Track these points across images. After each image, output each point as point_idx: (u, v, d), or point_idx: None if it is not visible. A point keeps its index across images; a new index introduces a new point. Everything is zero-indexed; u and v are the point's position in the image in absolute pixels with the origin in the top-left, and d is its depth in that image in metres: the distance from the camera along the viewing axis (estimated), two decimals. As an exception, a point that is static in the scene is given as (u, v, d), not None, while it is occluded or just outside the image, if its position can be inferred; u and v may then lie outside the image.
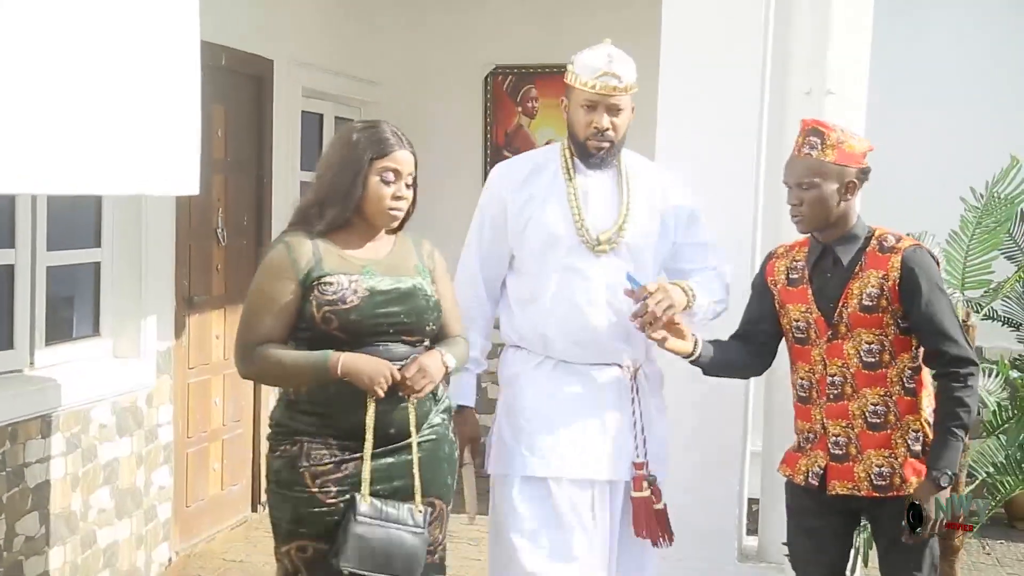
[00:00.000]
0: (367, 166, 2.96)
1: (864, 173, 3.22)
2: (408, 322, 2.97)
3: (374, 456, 2.91)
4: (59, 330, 4.64)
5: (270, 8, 5.91)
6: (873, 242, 3.21)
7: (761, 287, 3.39)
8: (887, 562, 3.23)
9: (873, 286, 3.16)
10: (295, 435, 2.94)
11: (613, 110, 3.19)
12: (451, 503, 3.11)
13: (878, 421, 3.17)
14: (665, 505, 3.25)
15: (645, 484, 3.22)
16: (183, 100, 3.55)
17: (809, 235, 3.30)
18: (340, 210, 2.97)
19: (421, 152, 7.99)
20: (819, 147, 3.18)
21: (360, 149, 2.98)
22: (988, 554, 5.64)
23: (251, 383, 5.87)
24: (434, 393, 3.05)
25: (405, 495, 2.96)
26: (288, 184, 6.14)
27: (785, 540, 3.43)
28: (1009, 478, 4.19)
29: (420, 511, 2.94)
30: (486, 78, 7.15)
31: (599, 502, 3.23)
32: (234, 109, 5.67)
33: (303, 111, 6.35)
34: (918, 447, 3.17)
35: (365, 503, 2.87)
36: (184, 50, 3.55)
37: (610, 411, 3.25)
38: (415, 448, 2.96)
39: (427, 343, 3.05)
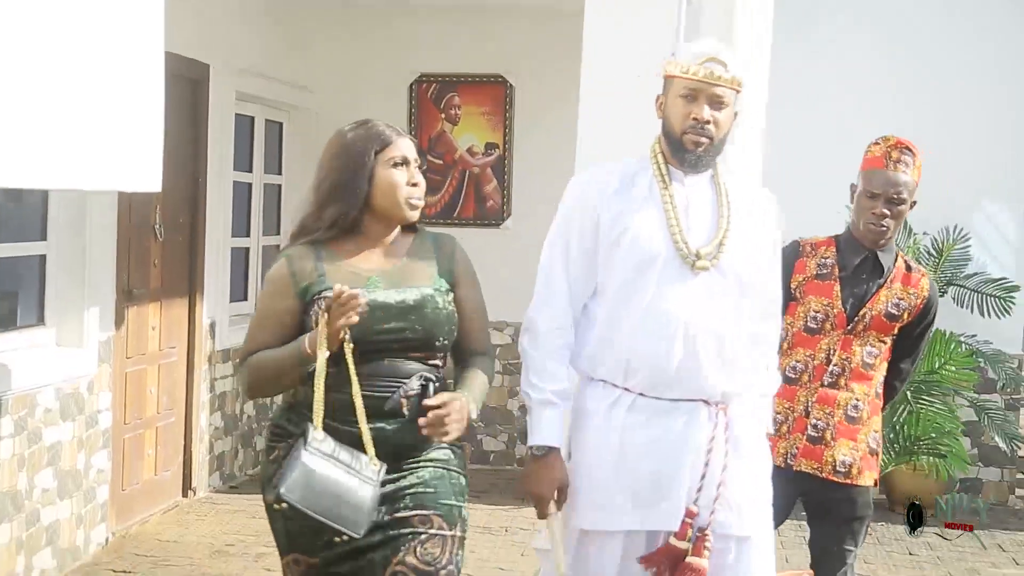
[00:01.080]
0: (372, 160, 2.79)
1: None
2: (414, 338, 2.78)
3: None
4: (5, 319, 4.88)
5: (208, 15, 6.17)
6: (900, 260, 3.63)
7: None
8: (829, 536, 3.62)
9: (900, 298, 3.57)
10: (290, 438, 2.77)
11: (715, 102, 2.84)
12: (457, 530, 2.84)
13: (855, 415, 3.55)
14: (704, 568, 2.84)
15: (689, 534, 2.84)
16: (147, 99, 3.77)
17: (840, 237, 3.65)
18: (345, 209, 2.79)
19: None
20: (912, 166, 3.50)
21: (359, 146, 2.81)
22: (869, 534, 6.14)
23: (183, 372, 6.15)
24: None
25: (396, 510, 2.78)
26: (222, 184, 6.41)
27: None
28: (883, 457, 4.66)
29: (376, 465, 2.70)
30: (411, 85, 7.48)
31: (650, 548, 2.90)
32: (172, 111, 5.86)
33: (236, 114, 6.63)
34: (875, 446, 3.59)
35: (319, 434, 2.65)
36: (149, 51, 3.77)
37: (690, 455, 2.86)
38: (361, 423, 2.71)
39: (441, 357, 2.87)
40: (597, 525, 2.89)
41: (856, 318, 3.55)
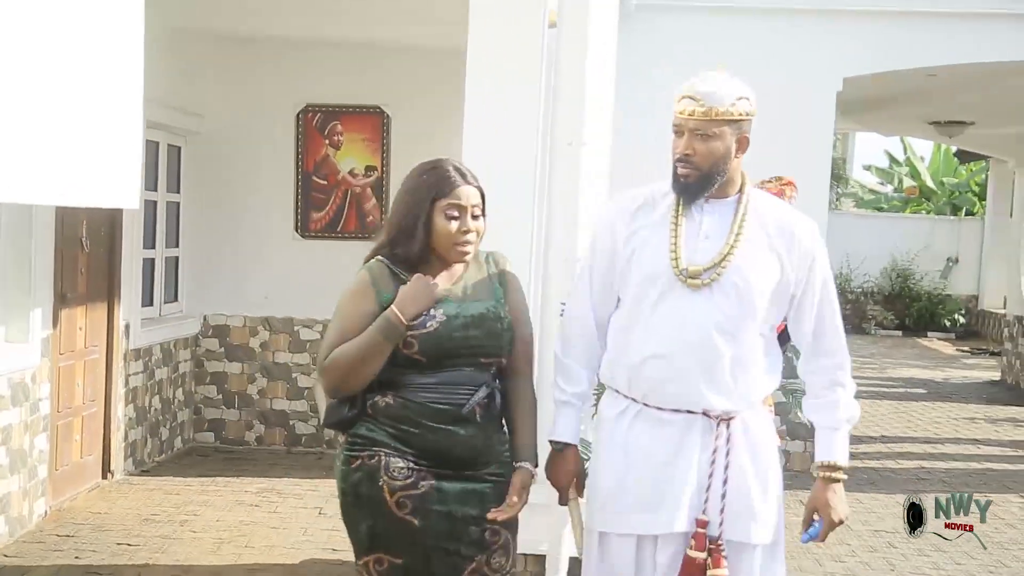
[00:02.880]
0: (430, 206, 2.99)
1: None
2: (486, 345, 3.00)
3: (447, 478, 2.98)
4: (-37, 317, 5.61)
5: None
6: None
7: None
8: None
9: None
10: (374, 446, 2.97)
11: (697, 136, 2.97)
12: (516, 537, 3.11)
13: None
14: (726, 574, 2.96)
15: (705, 543, 2.95)
16: (127, 120, 4.22)
17: None
18: (407, 250, 3.01)
19: (241, 177, 9.24)
20: (796, 199, 4.31)
21: (423, 192, 3.01)
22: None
23: (103, 367, 6.90)
24: (502, 426, 3.10)
25: (470, 522, 2.99)
26: (135, 201, 7.20)
27: None
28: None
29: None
30: (298, 114, 8.37)
31: (665, 559, 3.01)
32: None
33: (145, 139, 7.41)
34: None
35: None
36: (128, 72, 4.19)
37: (685, 462, 3.00)
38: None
39: (502, 363, 3.07)
40: (605, 527, 3.06)
41: None
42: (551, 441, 3.19)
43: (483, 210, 3.08)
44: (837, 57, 8.42)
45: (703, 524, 2.96)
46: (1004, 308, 15.35)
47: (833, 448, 3.08)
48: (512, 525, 3.07)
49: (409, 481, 2.95)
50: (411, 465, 2.95)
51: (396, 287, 2.99)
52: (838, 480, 3.08)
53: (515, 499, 3.01)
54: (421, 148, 8.06)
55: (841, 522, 3.10)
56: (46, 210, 5.94)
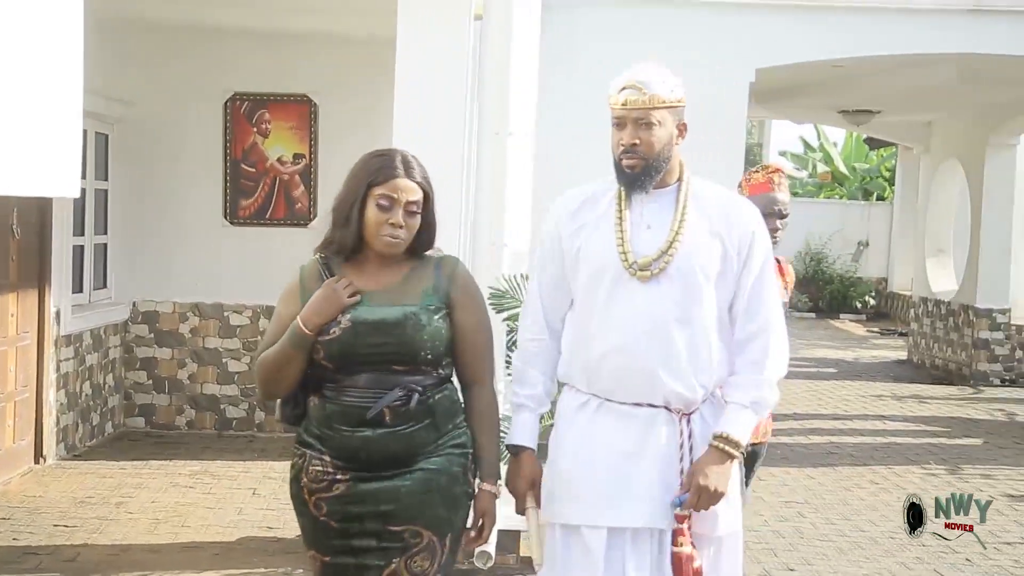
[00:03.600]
0: (365, 193, 2.94)
1: None
2: (397, 352, 2.93)
3: (365, 479, 2.94)
4: None
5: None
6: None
7: None
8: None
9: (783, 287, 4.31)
10: (303, 446, 3.01)
11: (641, 125, 2.97)
12: (447, 539, 2.99)
13: None
14: (700, 567, 2.96)
15: (688, 537, 2.95)
16: (66, 109, 4.20)
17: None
18: (343, 237, 2.98)
19: (169, 164, 9.29)
20: (785, 186, 4.27)
21: (362, 177, 2.97)
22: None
23: (35, 354, 6.98)
24: (437, 427, 2.98)
25: (388, 520, 2.94)
26: (65, 188, 7.27)
27: None
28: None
29: None
30: (226, 103, 8.47)
31: (635, 552, 3.00)
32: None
33: (74, 127, 7.46)
34: None
35: None
36: (67, 62, 4.22)
37: (653, 458, 3.00)
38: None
39: (433, 369, 2.99)
40: (568, 519, 3.03)
41: None
42: (507, 445, 3.17)
43: (424, 209, 2.98)
44: (750, 49, 8.77)
45: (682, 519, 2.95)
46: (911, 290, 15.92)
47: (732, 423, 2.99)
48: (442, 529, 2.97)
49: (323, 484, 2.94)
50: (328, 469, 2.94)
51: (321, 285, 2.97)
52: (727, 453, 2.97)
53: (480, 526, 3.00)
54: (348, 136, 8.29)
55: (711, 491, 2.94)
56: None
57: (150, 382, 8.46)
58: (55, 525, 5.90)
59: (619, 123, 3.02)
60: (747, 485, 4.19)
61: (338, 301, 2.91)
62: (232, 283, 8.35)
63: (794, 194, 24.97)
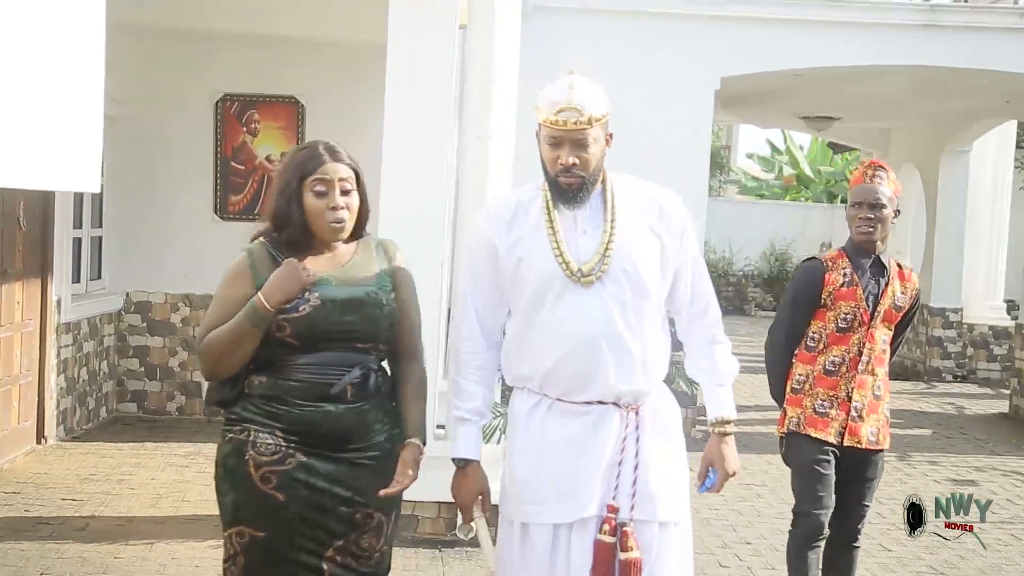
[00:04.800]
0: (299, 186, 3.00)
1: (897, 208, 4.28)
2: (361, 330, 3.01)
3: (318, 457, 2.98)
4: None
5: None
6: (892, 261, 4.33)
7: (811, 297, 4.28)
8: (855, 495, 4.32)
9: (902, 292, 4.30)
10: (245, 423, 2.99)
11: (579, 145, 3.00)
12: (393, 515, 3.11)
13: (879, 394, 4.30)
14: (637, 559, 2.99)
15: (614, 528, 3.00)
16: (88, 108, 4.30)
17: (846, 249, 4.31)
18: (290, 234, 3.03)
19: (162, 161, 9.64)
20: (886, 179, 4.21)
21: (292, 171, 3.02)
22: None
23: (38, 340, 7.36)
24: (383, 406, 3.07)
25: (341, 503, 3.00)
26: (66, 183, 7.66)
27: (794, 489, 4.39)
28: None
29: None
30: (216, 103, 8.87)
31: (580, 539, 3.04)
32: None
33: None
34: (888, 415, 4.37)
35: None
36: (89, 58, 4.30)
37: (599, 452, 3.04)
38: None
39: (383, 349, 3.08)
40: (526, 518, 3.08)
41: (875, 313, 4.25)
42: (452, 459, 3.20)
43: (357, 187, 3.06)
44: (715, 59, 9.26)
45: (613, 509, 3.01)
46: (870, 290, 16.39)
47: (721, 403, 3.21)
48: (389, 507, 3.07)
49: (276, 457, 2.95)
50: (280, 442, 2.96)
51: (275, 266, 3.00)
52: (729, 433, 3.21)
53: (409, 472, 3.01)
54: (333, 135, 8.59)
55: (734, 473, 3.21)
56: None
57: (142, 369, 8.85)
58: (63, 499, 6.30)
59: (555, 142, 3.03)
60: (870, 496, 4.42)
61: (299, 279, 2.95)
62: (221, 275, 8.68)
63: (760, 196, 25.57)
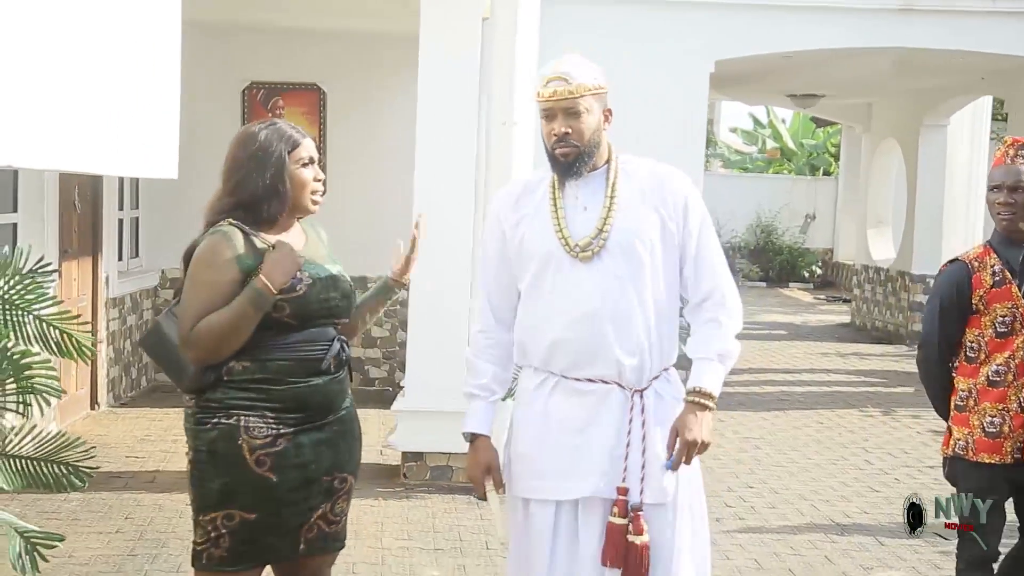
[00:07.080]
0: (287, 159, 3.04)
1: None
2: (341, 306, 3.15)
3: (307, 431, 3.07)
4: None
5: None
6: None
7: (960, 304, 3.80)
8: None
9: None
10: (231, 410, 3.00)
11: (571, 115, 3.02)
12: (355, 476, 3.25)
13: None
14: (647, 543, 3.01)
15: (626, 510, 3.02)
16: (166, 95, 4.55)
17: (990, 243, 3.83)
18: (275, 207, 3.05)
19: (193, 145, 10.24)
20: None
21: (276, 148, 3.05)
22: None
23: (90, 313, 7.95)
24: (350, 375, 3.22)
25: (325, 472, 3.12)
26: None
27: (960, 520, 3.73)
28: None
29: None
30: (243, 91, 9.44)
31: (586, 521, 3.08)
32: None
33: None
34: None
35: None
36: (166, 46, 4.52)
37: (603, 432, 3.07)
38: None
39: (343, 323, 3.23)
40: (529, 494, 3.12)
41: None
42: (463, 433, 3.24)
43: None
44: (711, 43, 9.87)
45: (624, 491, 3.03)
46: (855, 259, 17.04)
47: (702, 376, 3.06)
48: (357, 470, 3.23)
49: (268, 440, 3.01)
50: (271, 424, 3.01)
51: (255, 253, 3.02)
52: (704, 406, 3.04)
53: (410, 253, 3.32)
54: (354, 120, 9.32)
55: (697, 443, 3.01)
56: (52, 177, 6.97)
57: (178, 341, 9.40)
58: (127, 456, 6.93)
59: (549, 115, 3.07)
60: None
61: (295, 259, 3.02)
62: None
63: (744, 169, 25.98)
